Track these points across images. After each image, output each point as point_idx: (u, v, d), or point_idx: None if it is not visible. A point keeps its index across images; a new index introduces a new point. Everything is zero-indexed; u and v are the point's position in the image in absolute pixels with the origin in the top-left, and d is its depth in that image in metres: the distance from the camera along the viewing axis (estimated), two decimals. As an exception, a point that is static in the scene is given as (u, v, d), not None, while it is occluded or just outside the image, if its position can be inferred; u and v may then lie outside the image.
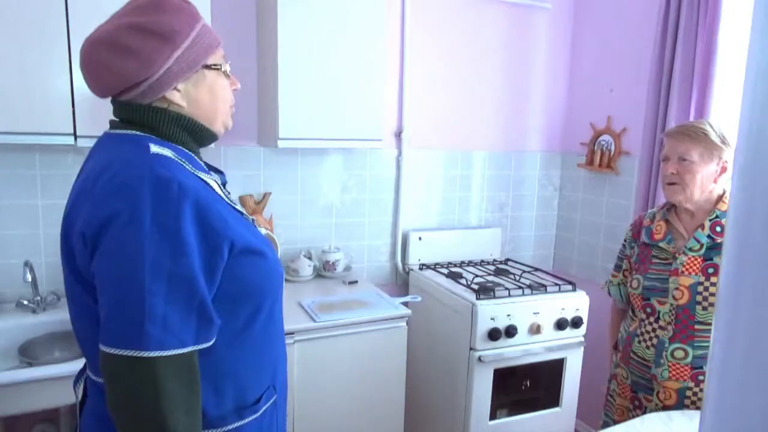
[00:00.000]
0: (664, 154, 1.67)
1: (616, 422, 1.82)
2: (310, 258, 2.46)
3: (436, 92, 2.69)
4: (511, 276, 2.49)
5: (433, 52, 2.65)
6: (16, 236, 2.01)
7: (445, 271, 2.57)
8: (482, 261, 2.78)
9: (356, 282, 2.41)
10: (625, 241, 1.88)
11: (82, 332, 0.98)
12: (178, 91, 0.97)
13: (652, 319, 1.69)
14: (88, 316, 0.92)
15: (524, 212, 3.03)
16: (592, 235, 2.87)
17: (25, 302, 1.94)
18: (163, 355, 0.83)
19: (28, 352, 1.79)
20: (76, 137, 1.76)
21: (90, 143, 1.77)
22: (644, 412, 1.71)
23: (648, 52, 2.43)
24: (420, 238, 2.68)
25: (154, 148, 0.91)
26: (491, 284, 2.33)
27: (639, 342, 1.72)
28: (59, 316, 1.93)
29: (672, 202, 1.69)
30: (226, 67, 1.04)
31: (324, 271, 2.46)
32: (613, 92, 2.72)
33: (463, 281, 2.37)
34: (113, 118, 1.01)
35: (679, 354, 1.62)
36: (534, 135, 2.98)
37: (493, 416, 2.24)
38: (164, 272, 0.83)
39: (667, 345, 1.64)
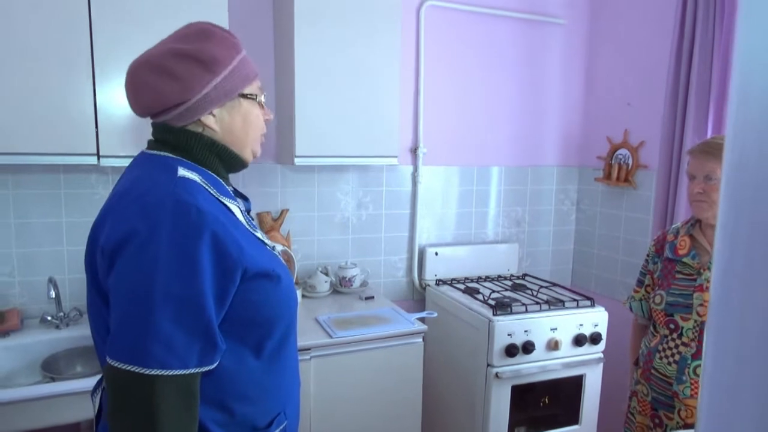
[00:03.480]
0: (690, 173, 1.66)
1: (636, 440, 1.79)
2: (326, 274, 2.48)
3: (452, 108, 2.71)
4: (529, 291, 2.48)
5: (448, 68, 2.68)
6: (42, 253, 2.06)
7: (462, 286, 2.57)
8: (499, 276, 2.77)
9: (372, 297, 2.42)
10: (648, 256, 1.86)
11: (100, 345, 1.00)
12: (213, 116, 1.01)
13: (675, 335, 1.67)
14: (105, 329, 0.95)
15: (541, 227, 3.01)
16: (611, 250, 2.84)
17: (49, 318, 1.99)
18: (163, 374, 0.84)
19: (51, 367, 1.82)
20: (99, 157, 1.81)
21: (112, 163, 1.84)
22: (665, 431, 1.69)
23: (665, 65, 2.43)
24: (436, 254, 2.68)
25: (182, 171, 0.95)
26: (508, 300, 2.32)
27: (660, 358, 1.69)
28: (81, 332, 1.96)
29: (700, 218, 1.69)
30: (261, 98, 1.08)
31: (340, 286, 2.47)
32: (631, 105, 2.71)
33: (480, 297, 2.36)
34: (151, 138, 1.06)
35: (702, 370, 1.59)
36: (550, 149, 2.98)
37: (511, 434, 2.22)
38: (174, 294, 0.85)
39: (689, 361, 1.62)
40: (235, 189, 1.12)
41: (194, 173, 0.97)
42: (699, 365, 1.61)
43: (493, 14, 2.71)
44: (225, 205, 0.98)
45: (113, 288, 0.88)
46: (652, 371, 1.72)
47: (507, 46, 2.78)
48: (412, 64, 2.60)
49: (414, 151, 2.65)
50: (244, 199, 1.14)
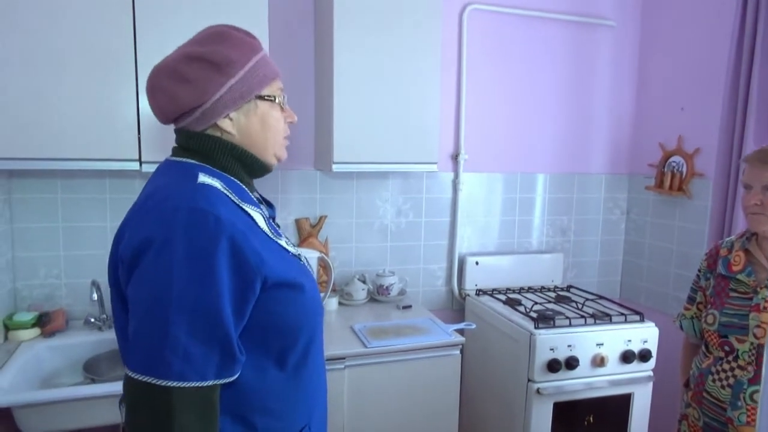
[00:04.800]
0: (745, 182, 1.54)
1: (687, 467, 1.68)
2: (364, 281, 2.45)
3: (495, 113, 2.65)
4: (573, 304, 2.38)
5: (491, 72, 2.61)
6: (87, 256, 2.12)
7: (503, 297, 2.49)
8: (542, 287, 2.68)
9: (410, 307, 2.37)
10: (699, 271, 1.74)
11: (123, 350, 1.00)
12: (230, 119, 0.99)
13: (730, 358, 1.55)
14: (127, 339, 0.94)
15: (588, 237, 2.90)
16: (663, 262, 2.70)
17: (93, 320, 2.03)
18: (180, 386, 0.83)
19: (93, 369, 1.86)
20: (141, 163, 1.85)
21: (153, 168, 1.87)
22: (719, 458, 1.57)
23: (722, 69, 2.29)
24: (477, 263, 2.62)
25: (202, 178, 0.93)
26: (551, 312, 2.23)
27: (713, 381, 1.58)
28: (122, 334, 2.00)
29: (757, 231, 1.56)
30: (281, 100, 1.05)
31: (378, 295, 2.44)
32: (684, 111, 2.57)
33: (522, 309, 2.28)
34: (175, 144, 1.05)
35: (760, 397, 1.47)
36: (598, 156, 2.86)
37: (552, 453, 2.13)
38: (190, 304, 0.84)
39: (746, 387, 1.50)
40: (260, 195, 1.10)
41: (215, 179, 0.95)
42: (756, 391, 1.48)
43: (539, 17, 2.63)
44: (246, 213, 0.96)
45: (131, 297, 0.88)
46: (704, 395, 1.61)
47: (553, 49, 2.70)
48: (454, 68, 2.55)
49: (455, 157, 2.59)
50: (269, 205, 1.12)
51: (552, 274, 2.75)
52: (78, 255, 2.11)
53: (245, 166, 1.03)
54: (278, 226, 1.09)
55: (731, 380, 1.53)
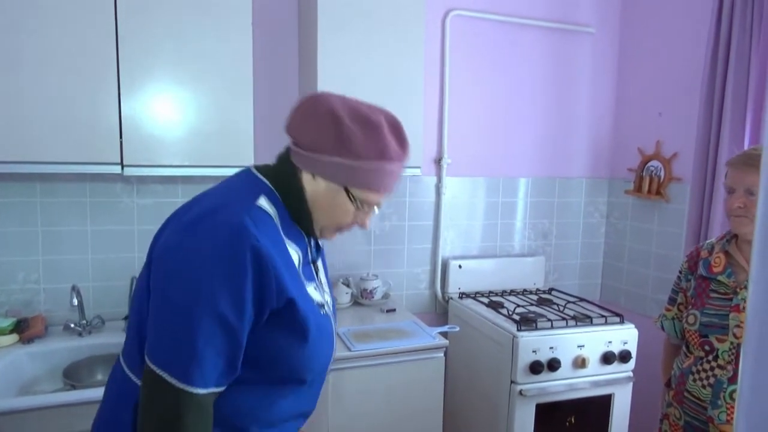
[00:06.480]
0: (728, 186, 1.57)
1: (668, 466, 1.71)
2: (348, 285, 2.45)
3: (477, 118, 2.67)
4: (555, 306, 2.41)
5: (474, 77, 2.64)
6: (66, 261, 2.09)
7: (486, 300, 2.51)
8: (525, 290, 2.70)
9: (394, 310, 2.38)
10: (680, 273, 1.77)
11: (132, 340, 1.02)
12: (313, 178, 1.00)
13: (710, 358, 1.58)
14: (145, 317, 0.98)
15: (569, 240, 2.94)
16: (642, 265, 2.75)
17: (72, 325, 2.00)
18: (188, 390, 0.88)
19: (73, 375, 1.83)
20: (123, 167, 1.83)
21: (136, 172, 1.85)
22: (698, 457, 1.60)
23: (698, 75, 2.35)
24: (460, 266, 2.63)
25: (262, 201, 0.97)
26: (533, 315, 2.26)
27: (694, 380, 1.61)
28: (103, 340, 1.98)
29: (739, 234, 1.59)
30: (361, 207, 1.03)
31: (361, 298, 2.44)
32: (662, 116, 2.63)
33: (504, 311, 2.30)
34: (256, 164, 1.08)
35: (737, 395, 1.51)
36: (579, 161, 2.90)
37: (535, 454, 2.15)
38: (216, 315, 0.88)
39: (726, 386, 1.53)
40: (316, 241, 1.12)
41: (273, 207, 0.98)
42: (735, 389, 1.51)
43: (520, 23, 2.66)
44: (286, 247, 0.98)
45: (158, 290, 0.91)
46: (685, 394, 1.64)
47: (534, 55, 2.73)
48: (437, 73, 2.57)
49: (438, 161, 2.61)
50: (317, 247, 1.13)
51: (534, 277, 2.78)
52: (57, 260, 2.08)
53: (298, 211, 1.03)
54: (316, 270, 1.11)
55: (711, 379, 1.57)
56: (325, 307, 1.08)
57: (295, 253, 1.00)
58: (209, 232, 0.90)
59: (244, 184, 1.01)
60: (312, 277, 1.06)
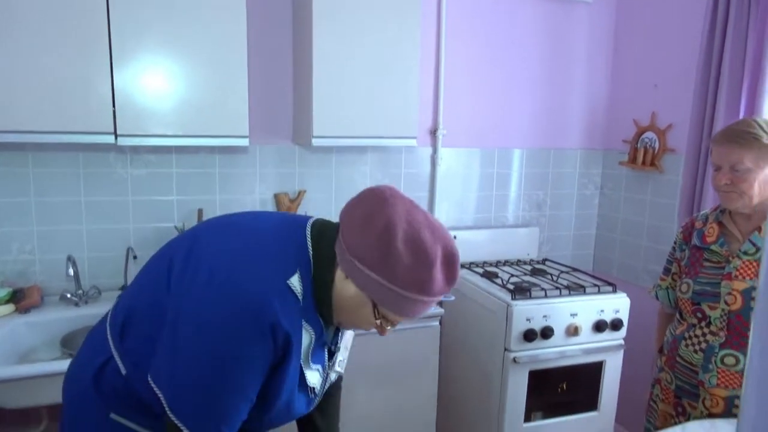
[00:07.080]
0: (714, 162, 1.58)
1: (657, 429, 1.76)
2: (343, 256, 2.46)
3: (473, 89, 2.66)
4: (548, 276, 2.43)
5: (470, 48, 2.61)
6: (60, 232, 2.08)
7: (481, 270, 2.53)
8: (519, 261, 2.73)
9: (390, 280, 2.39)
10: (675, 243, 1.80)
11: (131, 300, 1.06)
12: (346, 278, 0.98)
13: (702, 324, 1.61)
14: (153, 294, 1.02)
15: (563, 211, 2.95)
16: (635, 236, 2.78)
17: (68, 295, 2.01)
18: None
19: (70, 344, 1.84)
20: (116, 136, 1.81)
21: (129, 142, 1.83)
22: (688, 419, 1.64)
23: (694, 46, 2.33)
24: (455, 237, 2.64)
25: (293, 281, 0.96)
26: (527, 284, 2.28)
27: (686, 345, 1.65)
28: (100, 310, 1.98)
29: (730, 209, 1.61)
30: (383, 322, 1.02)
31: (357, 269, 2.45)
32: (658, 87, 2.62)
33: (499, 281, 2.32)
34: (330, 224, 1.06)
35: (730, 361, 1.55)
36: (574, 132, 2.90)
37: (527, 418, 2.19)
38: (244, 397, 0.96)
39: (717, 350, 1.57)
40: (337, 328, 1.12)
41: (302, 285, 0.97)
42: (726, 355, 1.55)
43: (516, -8, 2.63)
44: (300, 329, 0.98)
45: (184, 350, 0.94)
46: (677, 359, 1.68)
47: (530, 25, 2.70)
48: (433, 44, 2.54)
49: (433, 132, 2.60)
50: (335, 333, 1.13)
51: (528, 247, 2.80)
52: (52, 230, 2.07)
53: (322, 299, 1.02)
54: (329, 350, 1.12)
55: (703, 345, 1.60)
56: (315, 390, 1.09)
57: (308, 336, 1.00)
58: (240, 310, 0.92)
59: (290, 247, 0.99)
60: (320, 359, 1.06)
